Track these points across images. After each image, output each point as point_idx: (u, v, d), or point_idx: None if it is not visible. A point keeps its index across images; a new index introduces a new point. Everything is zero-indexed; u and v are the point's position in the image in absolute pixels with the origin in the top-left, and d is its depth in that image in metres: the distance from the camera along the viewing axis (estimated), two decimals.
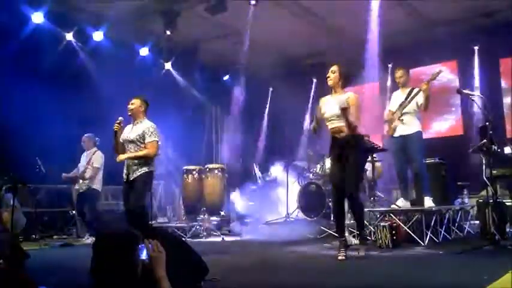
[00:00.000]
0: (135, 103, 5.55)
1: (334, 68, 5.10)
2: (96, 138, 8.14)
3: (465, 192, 7.82)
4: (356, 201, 4.98)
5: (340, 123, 4.93)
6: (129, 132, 5.51)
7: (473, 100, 5.41)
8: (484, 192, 6.17)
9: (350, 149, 4.89)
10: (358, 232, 5.34)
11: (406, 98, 6.51)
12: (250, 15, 9.10)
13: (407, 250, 5.59)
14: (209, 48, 11.29)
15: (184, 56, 11.16)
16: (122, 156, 5.44)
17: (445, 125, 10.47)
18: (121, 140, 5.50)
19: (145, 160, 5.39)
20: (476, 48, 9.86)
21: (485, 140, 5.41)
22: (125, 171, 5.44)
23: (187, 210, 8.79)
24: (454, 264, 4.48)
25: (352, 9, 8.99)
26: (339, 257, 4.84)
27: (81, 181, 7.89)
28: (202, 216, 8.45)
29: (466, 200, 7.70)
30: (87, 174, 7.85)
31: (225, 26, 9.94)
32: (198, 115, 11.75)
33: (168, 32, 9.42)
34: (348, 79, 5.16)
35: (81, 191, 7.87)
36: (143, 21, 9.72)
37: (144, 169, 5.36)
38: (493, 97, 8.70)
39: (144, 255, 2.04)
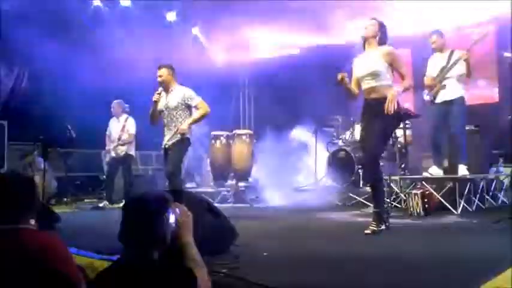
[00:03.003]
0: (163, 73, 5.38)
1: (374, 20, 4.62)
2: (126, 105, 8.09)
3: (500, 161, 7.57)
4: (372, 173, 4.56)
5: (374, 83, 4.49)
6: (167, 100, 5.39)
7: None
8: None
9: (379, 113, 4.33)
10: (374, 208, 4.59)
11: (447, 62, 6.22)
12: None
13: (439, 218, 5.46)
14: None
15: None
16: (189, 123, 5.34)
17: (480, 91, 10.08)
18: (161, 109, 5.42)
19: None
20: None
21: None
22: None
23: (215, 176, 8.79)
24: (489, 234, 4.35)
25: None
26: (365, 231, 4.37)
27: (118, 146, 7.83)
28: (230, 181, 8.45)
29: (501, 169, 7.46)
30: (125, 140, 7.85)
31: None
32: (226, 80, 11.63)
33: None
34: (387, 37, 4.63)
35: (117, 157, 7.85)
36: None
37: (179, 136, 5.35)
38: None
39: (171, 220, 1.99)
